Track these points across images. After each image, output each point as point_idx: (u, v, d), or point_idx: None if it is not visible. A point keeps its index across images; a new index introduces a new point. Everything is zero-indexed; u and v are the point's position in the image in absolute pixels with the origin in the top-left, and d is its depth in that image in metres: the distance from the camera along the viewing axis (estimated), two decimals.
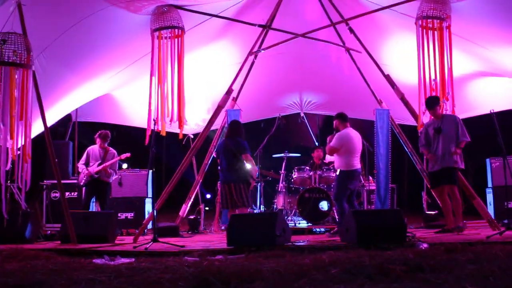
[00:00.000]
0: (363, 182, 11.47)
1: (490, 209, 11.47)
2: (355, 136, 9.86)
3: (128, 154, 10.92)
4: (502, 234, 8.07)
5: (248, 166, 9.53)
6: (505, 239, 7.66)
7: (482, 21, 8.93)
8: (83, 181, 10.70)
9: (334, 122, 10.11)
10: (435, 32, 8.81)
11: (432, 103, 8.98)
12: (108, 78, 10.49)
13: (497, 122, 8.40)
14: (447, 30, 8.78)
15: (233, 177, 9.43)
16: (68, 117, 12.15)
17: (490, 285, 4.16)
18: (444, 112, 9.06)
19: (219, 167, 9.77)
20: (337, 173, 9.87)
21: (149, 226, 10.32)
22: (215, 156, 10.02)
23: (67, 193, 10.99)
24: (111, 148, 10.96)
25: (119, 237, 9.92)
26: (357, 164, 9.81)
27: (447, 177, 9.00)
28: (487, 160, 12.08)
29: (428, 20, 8.81)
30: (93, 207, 11.10)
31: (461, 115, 9.89)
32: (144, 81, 9.96)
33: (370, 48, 10.85)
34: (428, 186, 11.44)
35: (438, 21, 8.74)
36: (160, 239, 8.23)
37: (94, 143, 11.02)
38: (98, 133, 10.93)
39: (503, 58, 9.88)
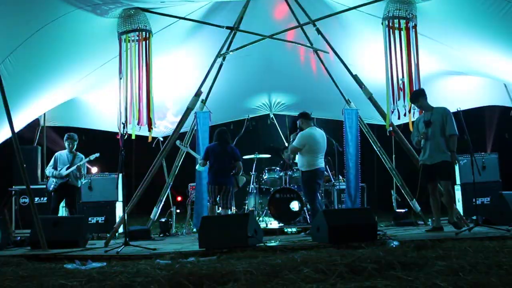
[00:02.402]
0: (333, 181, 11.52)
1: (459, 206, 11.60)
2: (319, 135, 9.88)
3: (97, 154, 10.82)
4: (470, 230, 8.18)
5: (239, 173, 10.20)
6: (473, 235, 7.77)
7: (447, 21, 9.02)
8: (52, 186, 10.56)
9: (298, 121, 10.15)
10: (402, 32, 8.87)
11: (414, 96, 8.83)
12: (76, 82, 10.37)
13: (464, 120, 8.49)
14: (414, 29, 8.84)
15: (225, 180, 9.92)
16: (35, 122, 11.99)
17: (460, 281, 4.20)
18: (409, 111, 9.09)
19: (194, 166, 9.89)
20: (300, 174, 9.91)
21: (120, 229, 10.23)
22: (201, 159, 10.11)
23: (36, 199, 10.85)
24: (78, 152, 10.84)
25: (90, 242, 9.81)
26: (320, 164, 9.81)
27: (442, 173, 8.85)
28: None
29: (395, 20, 8.87)
30: (63, 212, 10.98)
31: None
32: (113, 84, 9.89)
33: (338, 49, 10.90)
34: (397, 182, 11.57)
35: (404, 21, 8.80)
36: (131, 243, 8.19)
37: (63, 147, 10.90)
38: (65, 136, 10.82)
39: (468, 57, 10.00)
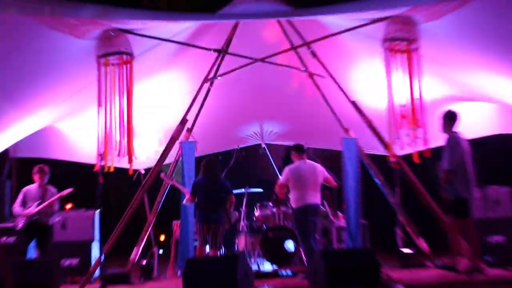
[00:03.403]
0: (331, 218, 11.51)
1: None
2: (307, 169, 9.93)
3: (70, 189, 10.80)
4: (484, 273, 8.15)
5: (231, 207, 10.17)
6: (489, 278, 7.74)
7: (454, 43, 9.09)
8: (21, 224, 10.50)
9: (291, 154, 10.23)
10: (403, 55, 8.94)
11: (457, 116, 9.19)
12: (50, 109, 10.36)
13: (474, 150, 8.58)
14: (416, 52, 8.91)
15: (215, 217, 9.87)
16: (5, 153, 11.95)
17: None
18: (414, 141, 9.14)
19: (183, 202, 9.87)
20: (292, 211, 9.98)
21: (97, 273, 10.17)
22: (187, 193, 10.09)
23: (3, 238, 10.77)
24: (50, 186, 10.81)
25: (62, 286, 9.75)
26: (309, 199, 9.82)
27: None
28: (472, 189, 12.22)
29: (395, 42, 8.93)
30: (33, 253, 10.90)
31: (435, 143, 10.02)
32: (90, 112, 9.90)
33: (335, 73, 10.99)
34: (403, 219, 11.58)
35: (406, 42, 8.87)
36: None
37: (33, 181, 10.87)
38: (35, 168, 10.79)
39: (476, 81, 10.05)
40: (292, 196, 9.87)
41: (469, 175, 8.89)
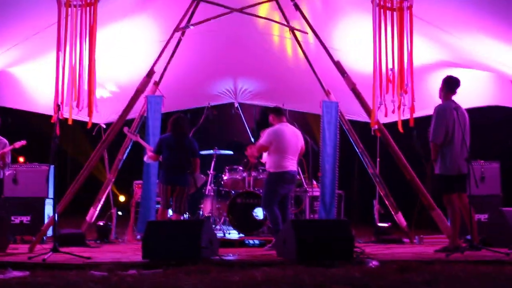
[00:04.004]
0: (305, 187, 11.51)
1: None
2: (290, 133, 9.90)
3: (23, 142, 10.68)
4: (463, 252, 8.24)
5: (197, 171, 10.09)
6: (467, 257, 7.83)
7: (449, 2, 9.06)
8: None
9: (269, 117, 10.17)
10: (394, 13, 8.88)
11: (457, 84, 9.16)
12: (3, 51, 10.19)
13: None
14: (408, 11, 8.86)
15: (180, 179, 9.78)
16: None
17: None
18: (399, 108, 9.11)
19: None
20: (266, 175, 9.93)
21: (49, 232, 10.09)
22: (151, 151, 10.02)
23: None
24: (1, 137, 10.68)
25: (11, 246, 9.67)
26: (290, 166, 9.83)
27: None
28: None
29: None
30: None
31: (421, 112, 10.03)
32: (48, 57, 9.74)
33: (319, 29, 10.89)
34: (380, 191, 11.64)
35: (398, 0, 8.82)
36: (61, 249, 8.11)
37: None
38: None
39: (471, 46, 10.05)
40: (270, 160, 9.82)
41: (458, 147, 8.86)
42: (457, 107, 8.98)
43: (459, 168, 8.82)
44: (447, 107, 8.97)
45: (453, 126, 8.86)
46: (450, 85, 9.12)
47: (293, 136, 9.93)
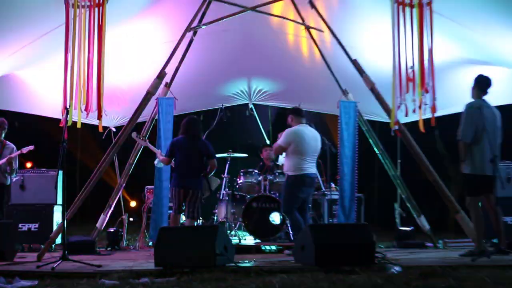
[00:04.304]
0: (323, 190, 11.50)
1: None
2: (310, 135, 9.89)
3: (31, 147, 10.72)
4: (490, 256, 8.20)
5: (212, 173, 10.10)
6: (494, 262, 7.78)
7: None
8: None
9: (288, 118, 10.16)
10: (414, 10, 8.87)
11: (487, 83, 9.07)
12: (9, 54, 10.25)
13: None
14: (428, 7, 8.85)
15: (194, 183, 9.79)
16: None
17: None
18: (420, 107, 9.08)
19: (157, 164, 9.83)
20: (285, 178, 9.90)
21: (58, 240, 10.13)
22: (163, 155, 10.05)
23: None
24: (8, 142, 10.73)
25: (19, 254, 9.73)
26: (309, 168, 9.82)
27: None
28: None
29: None
30: None
31: (443, 111, 10.02)
32: (56, 59, 9.77)
33: (335, 27, 10.90)
34: (401, 193, 11.61)
35: None
36: (71, 257, 8.12)
37: None
38: None
39: (495, 43, 10.02)
40: (288, 162, 9.81)
41: (488, 148, 8.78)
42: (488, 106, 8.93)
43: (487, 169, 8.75)
44: (478, 105, 8.88)
45: (483, 125, 8.78)
46: (480, 84, 9.02)
47: (313, 138, 9.91)
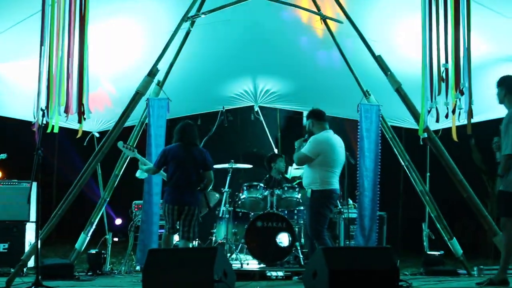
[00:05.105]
0: (340, 207, 11.50)
1: None
2: (337, 143, 9.91)
3: (3, 155, 10.76)
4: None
5: (209, 188, 10.13)
6: None
7: None
8: None
9: (307, 122, 10.16)
10: None
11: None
12: None
13: None
14: None
15: (189, 198, 9.78)
16: None
17: None
18: (457, 112, 9.06)
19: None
20: (308, 194, 9.87)
21: (31, 263, 10.15)
22: (156, 164, 10.07)
23: None
24: None
25: None
26: (336, 183, 9.85)
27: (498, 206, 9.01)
28: None
29: None
30: None
31: (480, 116, 10.01)
32: (30, 53, 9.80)
33: (356, 19, 10.94)
34: (431, 212, 11.61)
35: None
36: (45, 283, 8.15)
37: None
38: None
39: None
40: (314, 175, 9.77)
41: None
42: None
43: None
44: None
45: None
46: (510, 86, 8.95)
47: (341, 147, 9.93)
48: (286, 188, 11.80)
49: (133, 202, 12.19)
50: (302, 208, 11.36)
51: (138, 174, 10.52)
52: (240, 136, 18.56)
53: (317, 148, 9.76)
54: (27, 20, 9.82)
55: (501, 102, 8.88)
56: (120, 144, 10.68)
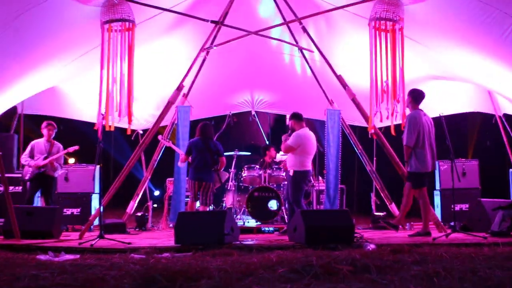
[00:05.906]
0: (312, 182, 11.52)
1: (438, 211, 11.68)
2: (312, 137, 9.95)
3: (76, 147, 10.76)
4: (448, 236, 8.26)
5: (222, 169, 10.19)
6: (450, 241, 7.85)
7: (434, 24, 9.05)
8: (28, 175, 10.46)
9: (290, 122, 10.17)
10: (388, 34, 8.86)
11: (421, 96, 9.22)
12: (56, 70, 10.27)
13: (446, 126, 8.59)
14: (400, 32, 8.83)
15: (206, 176, 9.87)
16: (13, 110, 11.84)
17: (434, 286, 4.23)
18: (394, 115, 9.07)
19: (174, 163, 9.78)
20: (290, 173, 9.87)
21: (96, 222, 10.17)
22: (183, 153, 10.10)
23: (11, 187, 10.66)
24: (56, 142, 10.76)
25: (64, 233, 9.78)
26: (310, 165, 9.89)
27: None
28: (436, 163, 12.29)
29: (381, 22, 8.84)
30: (38, 202, 10.87)
31: None
32: (93, 74, 9.82)
33: (323, 48, 10.92)
34: (376, 185, 11.66)
35: (391, 23, 8.78)
36: (106, 236, 8.17)
37: (40, 136, 10.81)
38: (44, 123, 10.73)
39: (453, 62, 10.05)
40: (295, 160, 9.75)
41: (427, 150, 8.89)
42: (424, 114, 9.06)
43: (428, 166, 8.91)
44: (417, 115, 8.98)
45: (423, 131, 8.88)
46: (415, 97, 9.14)
47: (314, 140, 9.99)
48: (274, 169, 11.82)
49: (167, 179, 12.18)
50: (285, 183, 11.36)
51: (179, 164, 10.54)
52: (242, 132, 18.52)
53: (298, 141, 9.76)
54: (91, 51, 9.80)
55: (407, 106, 9.02)
56: (160, 137, 10.75)
